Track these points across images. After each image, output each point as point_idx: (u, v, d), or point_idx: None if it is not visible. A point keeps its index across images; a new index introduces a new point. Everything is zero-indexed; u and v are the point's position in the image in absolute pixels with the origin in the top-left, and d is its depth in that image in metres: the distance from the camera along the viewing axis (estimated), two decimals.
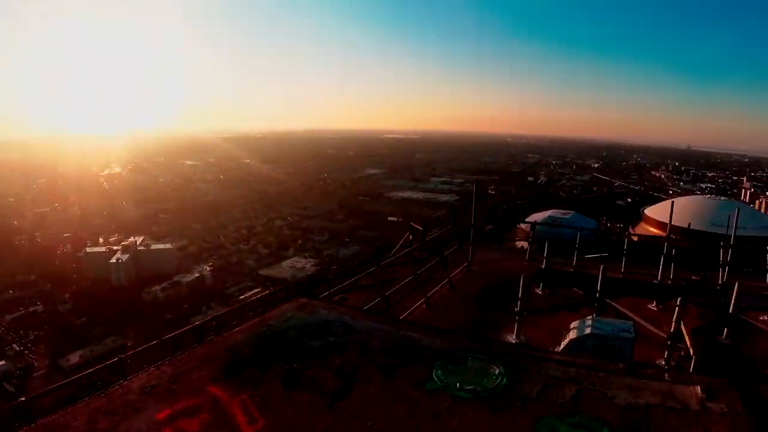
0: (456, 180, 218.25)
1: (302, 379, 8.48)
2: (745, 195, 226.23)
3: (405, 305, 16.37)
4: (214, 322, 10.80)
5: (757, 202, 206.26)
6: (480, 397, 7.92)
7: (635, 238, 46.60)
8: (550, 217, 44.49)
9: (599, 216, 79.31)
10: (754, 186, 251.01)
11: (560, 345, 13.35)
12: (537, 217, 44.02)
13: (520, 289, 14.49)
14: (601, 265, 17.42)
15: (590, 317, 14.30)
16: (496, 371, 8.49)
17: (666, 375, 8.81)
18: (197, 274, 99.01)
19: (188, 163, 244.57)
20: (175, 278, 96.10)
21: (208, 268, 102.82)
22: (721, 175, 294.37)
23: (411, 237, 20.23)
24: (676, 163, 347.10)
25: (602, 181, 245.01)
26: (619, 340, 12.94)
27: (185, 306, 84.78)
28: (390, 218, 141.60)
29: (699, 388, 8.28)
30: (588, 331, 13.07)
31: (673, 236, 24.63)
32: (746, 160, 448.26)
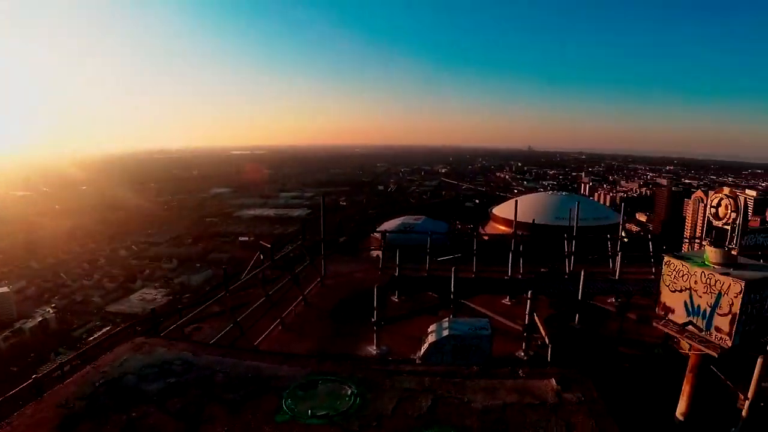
0: (307, 194, 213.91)
1: (142, 429, 7.50)
2: (585, 189, 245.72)
3: (260, 328, 15.55)
4: (57, 372, 9.59)
5: (595, 194, 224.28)
6: (333, 421, 7.32)
7: (486, 237, 48.23)
8: (402, 224, 44.70)
9: (450, 219, 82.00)
10: (593, 180, 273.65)
11: (421, 350, 13.14)
12: (389, 224, 44.17)
13: (375, 299, 14.22)
14: (453, 267, 17.59)
15: (447, 319, 14.25)
16: (349, 391, 7.92)
17: (521, 371, 8.70)
18: (40, 318, 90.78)
19: (19, 194, 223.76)
20: (17, 325, 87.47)
21: (51, 310, 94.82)
22: (561, 172, 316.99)
23: (262, 256, 19.35)
24: (519, 164, 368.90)
25: (450, 185, 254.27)
26: (477, 338, 12.98)
27: (31, 355, 77.14)
28: (241, 238, 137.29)
29: (554, 380, 8.18)
30: (446, 332, 13.02)
31: (519, 232, 25.50)
32: (583, 157, 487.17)
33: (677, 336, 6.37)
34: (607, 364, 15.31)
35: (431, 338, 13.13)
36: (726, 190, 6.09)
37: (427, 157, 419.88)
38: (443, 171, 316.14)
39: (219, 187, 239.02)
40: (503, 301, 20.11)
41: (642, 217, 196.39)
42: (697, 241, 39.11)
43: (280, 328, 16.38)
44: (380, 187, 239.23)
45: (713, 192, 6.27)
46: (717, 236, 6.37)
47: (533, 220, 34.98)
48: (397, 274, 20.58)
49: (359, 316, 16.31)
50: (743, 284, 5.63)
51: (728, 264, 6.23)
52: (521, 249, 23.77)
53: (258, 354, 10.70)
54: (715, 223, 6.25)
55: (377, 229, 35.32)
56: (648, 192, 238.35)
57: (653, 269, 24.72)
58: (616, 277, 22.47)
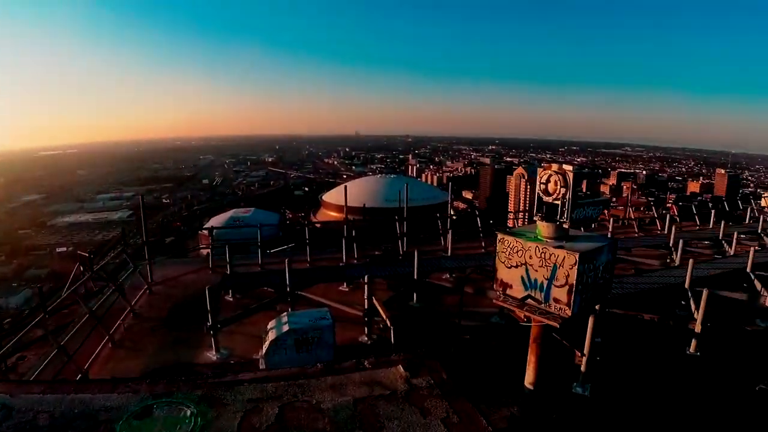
0: (126, 194, 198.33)
1: None
2: (413, 170, 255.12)
3: (88, 349, 13.86)
4: None
5: (423, 175, 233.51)
6: None
7: (318, 225, 48.10)
8: (231, 217, 43.74)
9: (280, 208, 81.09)
10: (420, 162, 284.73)
11: (262, 349, 12.76)
12: (218, 219, 42.83)
13: (207, 301, 13.54)
14: (286, 260, 17.24)
15: (285, 313, 13.97)
16: (188, 413, 7.25)
17: (366, 363, 8.57)
18: None
19: None
20: None
21: None
22: (389, 155, 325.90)
23: (81, 268, 17.58)
24: (347, 149, 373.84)
25: (279, 174, 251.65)
26: (318, 329, 12.85)
27: None
28: (59, 249, 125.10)
29: (401, 367, 8.15)
30: (286, 328, 12.77)
31: (351, 217, 25.60)
32: (410, 140, 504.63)
33: (517, 310, 6.52)
34: (449, 339, 15.87)
35: (271, 335, 12.80)
36: (554, 166, 6.30)
37: (253, 148, 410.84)
38: (270, 160, 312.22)
39: (28, 194, 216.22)
40: (341, 288, 19.99)
41: (468, 195, 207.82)
42: (521, 214, 42.11)
43: (110, 346, 14.76)
44: (205, 181, 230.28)
45: (542, 169, 6.45)
46: (548, 211, 6.56)
47: (364, 204, 35.47)
48: (228, 272, 19.79)
49: (195, 322, 15.31)
50: (577, 256, 5.85)
51: (561, 237, 6.46)
52: (354, 234, 23.86)
53: (84, 384, 9.54)
54: (546, 198, 6.44)
55: (204, 226, 33.89)
56: (472, 171, 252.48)
57: (482, 243, 26.05)
58: (449, 254, 23.26)
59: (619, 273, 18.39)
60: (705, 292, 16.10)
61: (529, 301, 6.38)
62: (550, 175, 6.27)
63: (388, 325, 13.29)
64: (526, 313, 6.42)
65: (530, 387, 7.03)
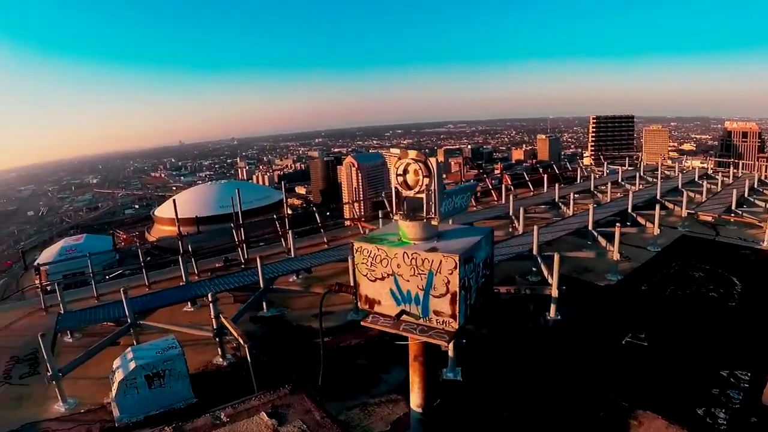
0: None
1: None
2: (243, 173, 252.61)
3: None
4: None
5: (254, 176, 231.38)
6: None
7: (153, 243, 45.65)
8: (62, 248, 42.25)
9: (112, 230, 76.58)
10: (249, 164, 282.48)
11: (112, 391, 11.62)
12: (50, 252, 41.66)
13: (42, 349, 12.15)
14: (122, 288, 16.05)
15: (129, 348, 12.78)
16: None
17: (223, 415, 7.11)
18: None
19: None
20: None
21: None
22: (217, 161, 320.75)
23: None
24: (173, 160, 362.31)
25: (105, 195, 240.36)
26: (168, 360, 11.98)
27: None
28: None
29: (264, 415, 6.81)
30: (133, 365, 11.69)
31: (185, 230, 24.55)
32: (236, 143, 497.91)
33: (394, 331, 5.36)
34: (303, 344, 15.52)
35: (119, 375, 11.62)
36: (412, 153, 5.18)
37: (75, 171, 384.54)
38: (95, 182, 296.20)
39: None
40: (185, 309, 18.86)
41: (302, 190, 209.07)
42: (356, 204, 42.26)
43: None
44: (30, 213, 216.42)
45: (396, 159, 5.31)
46: (410, 208, 5.46)
47: (197, 215, 34.17)
48: (62, 311, 17.75)
49: (37, 372, 14.41)
50: (457, 258, 4.78)
51: (431, 237, 5.39)
52: (190, 248, 22.80)
53: None
54: (406, 193, 5.31)
55: (36, 262, 32.39)
56: (302, 166, 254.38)
57: (324, 238, 25.56)
58: (292, 255, 22.53)
59: None
60: (556, 256, 16.32)
61: (405, 317, 5.24)
62: (408, 164, 5.15)
63: (242, 343, 12.53)
64: (404, 333, 5.28)
65: (419, 411, 5.93)
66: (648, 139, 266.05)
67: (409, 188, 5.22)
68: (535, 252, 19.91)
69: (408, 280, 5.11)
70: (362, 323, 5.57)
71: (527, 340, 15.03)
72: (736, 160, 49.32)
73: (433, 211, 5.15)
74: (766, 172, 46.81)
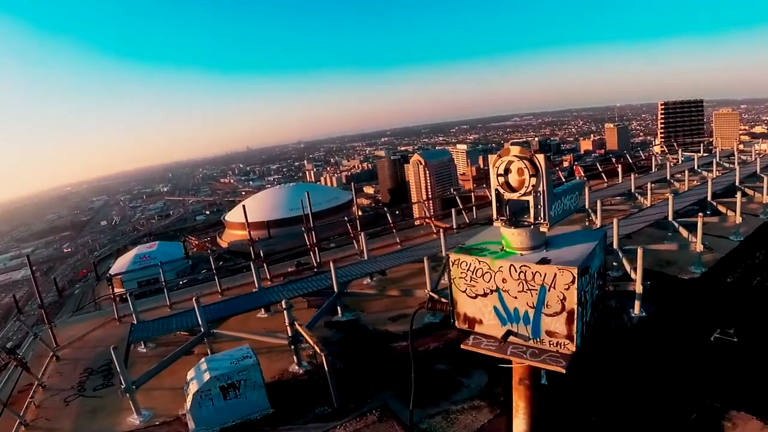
0: (26, 250, 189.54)
1: None
2: (311, 176, 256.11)
3: None
4: None
5: (322, 178, 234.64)
6: None
7: (225, 247, 46.29)
8: (136, 255, 43.00)
9: (184, 236, 78.39)
10: (316, 166, 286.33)
11: (187, 403, 11.71)
12: (124, 260, 42.29)
13: (114, 360, 12.09)
14: (194, 296, 15.98)
15: (204, 359, 12.61)
16: None
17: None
18: None
19: None
20: None
21: None
22: (284, 164, 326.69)
23: None
24: (241, 165, 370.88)
25: (176, 202, 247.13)
26: (242, 370, 11.90)
27: None
28: None
29: None
30: (207, 376, 11.57)
31: (256, 234, 24.74)
32: (302, 146, 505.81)
33: (500, 355, 4.67)
34: (380, 349, 15.10)
35: (193, 387, 11.55)
36: (515, 149, 4.46)
37: (146, 180, 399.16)
38: (165, 190, 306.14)
39: None
40: (259, 315, 18.71)
41: (370, 190, 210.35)
42: (426, 203, 41.75)
43: (23, 430, 12.87)
44: (103, 223, 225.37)
45: (496, 157, 4.62)
46: (514, 212, 4.76)
47: (266, 219, 34.37)
48: (135, 321, 17.85)
49: (110, 384, 14.64)
50: (576, 271, 4.06)
51: (541, 246, 4.68)
52: (261, 253, 22.79)
53: None
54: (509, 195, 4.62)
55: (111, 271, 33.05)
56: (369, 166, 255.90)
57: (397, 239, 25.11)
58: (365, 257, 22.17)
59: None
60: (639, 250, 15.48)
61: (512, 338, 4.55)
62: (510, 163, 4.45)
63: (319, 351, 12.11)
64: (513, 358, 4.59)
65: None
66: (718, 123, 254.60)
67: (512, 190, 4.52)
68: (615, 246, 18.88)
69: (515, 297, 4.43)
70: (462, 347, 4.90)
71: (611, 339, 14.18)
72: None
73: (542, 215, 4.44)
74: None
